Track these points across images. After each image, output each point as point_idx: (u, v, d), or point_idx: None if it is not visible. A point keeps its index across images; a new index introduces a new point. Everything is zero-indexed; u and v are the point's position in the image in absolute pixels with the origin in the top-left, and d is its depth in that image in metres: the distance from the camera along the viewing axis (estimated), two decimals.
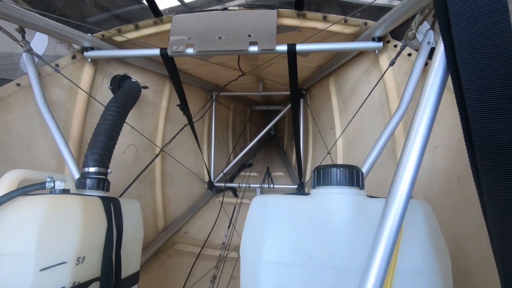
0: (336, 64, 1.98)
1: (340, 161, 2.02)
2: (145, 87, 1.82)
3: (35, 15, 1.24)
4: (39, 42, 1.44)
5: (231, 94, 3.24)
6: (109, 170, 1.14)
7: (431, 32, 1.17)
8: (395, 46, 1.37)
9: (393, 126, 1.15)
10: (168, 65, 1.59)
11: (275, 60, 2.15)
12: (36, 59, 1.38)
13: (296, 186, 2.72)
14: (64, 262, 0.75)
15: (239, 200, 2.62)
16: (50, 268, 0.72)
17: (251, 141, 3.28)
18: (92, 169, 1.07)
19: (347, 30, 1.48)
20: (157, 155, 2.09)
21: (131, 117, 1.61)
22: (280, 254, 0.61)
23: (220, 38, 1.43)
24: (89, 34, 1.52)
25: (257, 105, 4.53)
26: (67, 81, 1.47)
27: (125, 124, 1.34)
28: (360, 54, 1.69)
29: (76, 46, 1.56)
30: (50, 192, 0.83)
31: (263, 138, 3.31)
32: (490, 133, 0.48)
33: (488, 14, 0.50)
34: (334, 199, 0.66)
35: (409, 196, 0.55)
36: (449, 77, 0.55)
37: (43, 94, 1.34)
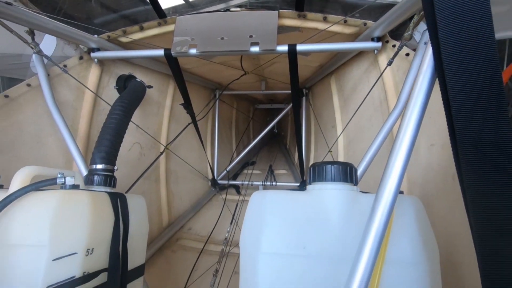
0: (337, 63, 2.01)
1: (341, 158, 2.05)
2: (150, 87, 1.87)
3: (44, 17, 1.28)
4: (48, 44, 1.49)
5: (234, 92, 3.28)
6: (115, 167, 1.18)
7: (427, 32, 1.19)
8: (394, 46, 1.39)
9: (391, 124, 1.17)
10: (172, 65, 1.64)
11: (277, 59, 2.18)
12: (45, 60, 1.43)
13: (298, 184, 2.76)
14: (75, 253, 0.80)
15: (241, 198, 2.67)
16: (62, 258, 0.77)
17: (254, 139, 3.32)
18: (99, 166, 1.11)
19: (347, 30, 1.50)
20: (161, 153, 2.14)
21: (136, 116, 1.66)
22: (277, 246, 0.65)
23: (222, 38, 1.47)
24: (96, 36, 1.57)
25: (260, 104, 4.56)
26: (75, 81, 1.52)
27: (130, 123, 1.39)
28: (360, 53, 1.72)
29: (83, 47, 1.61)
30: (61, 188, 0.88)
31: (266, 136, 3.35)
32: (472, 132, 0.51)
33: (472, 19, 0.53)
34: (329, 194, 0.69)
35: (397, 191, 0.58)
36: None
37: (52, 94, 1.39)
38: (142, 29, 1.64)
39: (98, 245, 0.88)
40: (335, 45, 1.47)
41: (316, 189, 0.72)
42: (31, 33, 1.36)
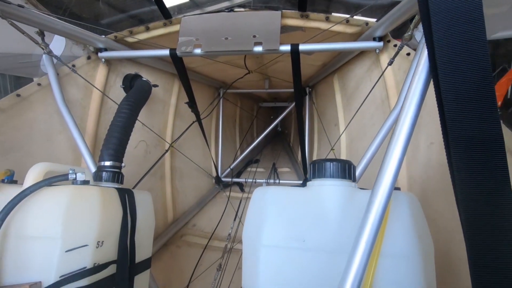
0: (339, 62, 2.03)
1: (343, 156, 2.07)
2: (155, 86, 1.91)
3: (54, 19, 1.33)
4: (57, 44, 1.53)
5: (238, 91, 3.31)
6: (123, 164, 1.22)
7: None
8: (395, 45, 1.41)
9: (391, 123, 1.20)
10: (177, 65, 1.67)
11: (280, 58, 2.20)
12: (55, 60, 1.47)
13: (301, 182, 2.79)
14: (86, 245, 0.84)
15: (245, 195, 2.70)
16: (73, 250, 0.81)
17: (258, 137, 3.35)
18: (107, 163, 1.15)
19: (349, 30, 1.52)
20: (166, 151, 2.18)
21: (142, 114, 1.70)
22: (278, 239, 0.69)
23: (226, 38, 1.50)
24: (103, 36, 1.61)
25: (264, 102, 4.58)
26: (83, 80, 1.56)
27: (136, 121, 1.43)
28: (362, 53, 1.73)
29: (90, 47, 1.65)
30: (72, 183, 0.92)
31: (270, 135, 3.38)
32: (464, 131, 0.54)
33: (466, 23, 0.55)
34: (327, 190, 0.72)
35: (392, 187, 0.61)
36: None
37: (62, 93, 1.43)
38: (148, 29, 1.67)
39: (108, 238, 0.92)
40: (337, 45, 1.49)
41: (316, 185, 0.75)
42: (41, 33, 1.40)
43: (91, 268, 0.85)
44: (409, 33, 1.11)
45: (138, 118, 1.47)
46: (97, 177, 1.12)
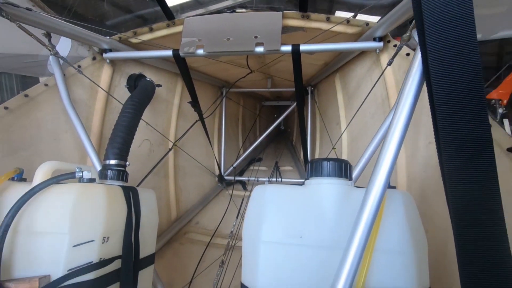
0: (341, 61, 2.04)
1: (344, 155, 2.09)
2: (159, 85, 1.94)
3: (61, 21, 1.36)
4: (64, 45, 1.57)
5: (241, 90, 3.33)
6: (127, 163, 1.26)
7: None
8: (395, 45, 1.42)
9: (389, 122, 1.21)
10: (180, 65, 1.70)
11: (282, 57, 2.22)
12: (61, 61, 1.51)
13: (303, 180, 2.80)
14: (92, 241, 0.87)
15: (247, 193, 2.73)
16: (80, 245, 0.85)
17: (260, 136, 3.37)
18: (112, 162, 1.19)
19: (350, 30, 1.54)
20: (170, 149, 2.22)
21: (145, 114, 1.73)
22: (276, 235, 0.71)
23: (228, 39, 1.52)
24: (108, 37, 1.64)
25: (266, 101, 4.60)
26: (89, 80, 1.60)
27: (140, 120, 1.46)
28: (363, 52, 1.75)
29: (95, 48, 1.68)
30: (79, 181, 0.95)
31: (272, 133, 3.39)
32: (454, 131, 0.56)
33: (457, 27, 0.57)
34: (324, 188, 0.74)
35: (386, 186, 0.63)
36: None
37: (68, 93, 1.47)
38: (151, 30, 1.70)
39: (113, 234, 0.95)
40: (338, 45, 1.51)
41: (313, 183, 0.77)
42: (48, 35, 1.44)
43: (97, 263, 0.88)
44: (407, 34, 1.12)
45: (142, 117, 1.50)
46: (103, 175, 1.15)
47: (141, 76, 1.81)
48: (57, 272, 0.81)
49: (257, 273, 0.70)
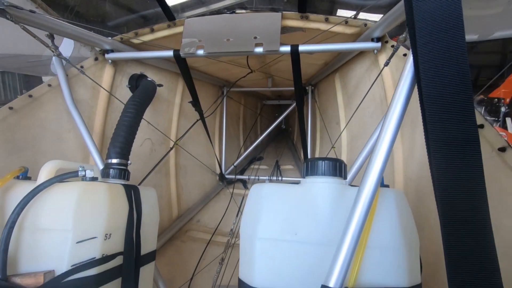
0: (341, 61, 2.05)
1: (344, 154, 2.11)
2: (160, 85, 1.96)
3: (64, 23, 1.39)
4: (66, 46, 1.60)
5: (242, 89, 3.35)
6: (129, 162, 1.28)
7: None
8: (393, 46, 1.44)
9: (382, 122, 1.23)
10: (181, 65, 1.73)
11: (282, 57, 2.24)
12: (64, 62, 1.54)
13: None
14: (95, 237, 0.90)
15: (248, 192, 2.75)
16: (84, 241, 0.88)
17: (261, 135, 3.39)
18: (114, 161, 1.22)
19: (348, 30, 1.55)
20: (171, 148, 2.25)
21: (147, 113, 1.76)
22: (272, 232, 0.73)
23: (228, 40, 1.54)
24: (109, 38, 1.67)
25: (268, 100, 4.62)
26: (91, 81, 1.62)
27: (142, 120, 1.49)
28: (362, 52, 1.76)
29: (97, 49, 1.71)
30: (82, 180, 0.98)
31: (273, 132, 3.41)
32: (442, 132, 0.58)
33: (447, 30, 0.59)
34: (319, 187, 0.77)
35: (378, 184, 0.65)
36: None
37: (71, 94, 1.50)
38: (152, 31, 1.73)
39: (115, 231, 0.98)
40: (336, 46, 1.53)
41: (308, 182, 0.79)
42: (51, 36, 1.46)
43: (100, 259, 0.91)
44: (403, 35, 1.14)
45: (144, 116, 1.52)
46: (105, 174, 1.18)
47: (142, 76, 1.84)
48: (61, 267, 0.84)
49: (253, 269, 0.73)
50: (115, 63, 1.79)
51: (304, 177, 0.84)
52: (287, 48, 1.50)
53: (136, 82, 1.79)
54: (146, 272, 1.17)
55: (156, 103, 2.13)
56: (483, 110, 4.81)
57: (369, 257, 0.68)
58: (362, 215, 0.64)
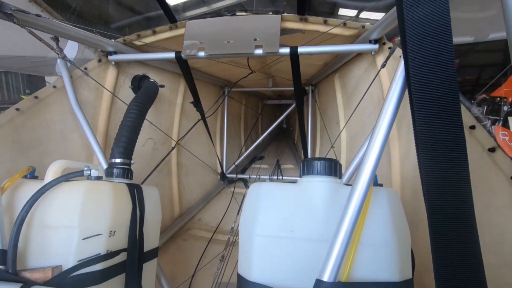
0: (340, 62, 2.08)
1: (343, 154, 2.14)
2: (162, 86, 2.00)
3: (68, 26, 1.43)
4: (71, 48, 1.63)
5: (243, 89, 3.38)
6: (132, 161, 1.32)
7: None
8: (390, 48, 1.46)
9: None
10: (182, 67, 1.76)
11: (282, 58, 2.26)
12: (68, 64, 1.57)
13: None
14: (100, 234, 0.94)
15: None
16: (89, 238, 0.91)
17: (262, 134, 3.42)
18: (118, 160, 1.25)
19: (347, 32, 1.58)
20: (173, 148, 2.28)
21: (149, 113, 1.79)
22: (269, 229, 0.77)
23: (228, 42, 1.58)
24: (113, 40, 1.71)
25: (269, 99, 4.65)
26: (95, 82, 1.66)
27: (144, 120, 1.52)
28: (360, 54, 1.79)
29: (101, 51, 1.75)
30: (87, 179, 1.02)
31: (274, 131, 3.44)
32: (430, 133, 0.61)
33: (435, 37, 0.62)
34: (315, 186, 0.80)
35: (370, 183, 0.68)
36: None
37: (75, 95, 1.54)
38: (154, 33, 1.76)
39: (119, 228, 1.02)
40: (335, 47, 1.55)
41: (305, 181, 0.83)
42: (56, 39, 1.50)
43: (105, 255, 0.95)
44: (399, 38, 1.16)
45: (146, 117, 1.56)
46: (109, 173, 1.22)
47: (144, 77, 1.87)
48: (68, 262, 0.88)
49: (252, 264, 0.76)
50: (118, 64, 1.82)
51: (300, 177, 0.87)
52: (286, 50, 1.53)
53: (138, 83, 1.82)
54: (149, 268, 1.20)
55: (158, 103, 2.16)
56: (485, 109, 4.80)
57: (362, 253, 0.71)
58: (354, 213, 0.67)
